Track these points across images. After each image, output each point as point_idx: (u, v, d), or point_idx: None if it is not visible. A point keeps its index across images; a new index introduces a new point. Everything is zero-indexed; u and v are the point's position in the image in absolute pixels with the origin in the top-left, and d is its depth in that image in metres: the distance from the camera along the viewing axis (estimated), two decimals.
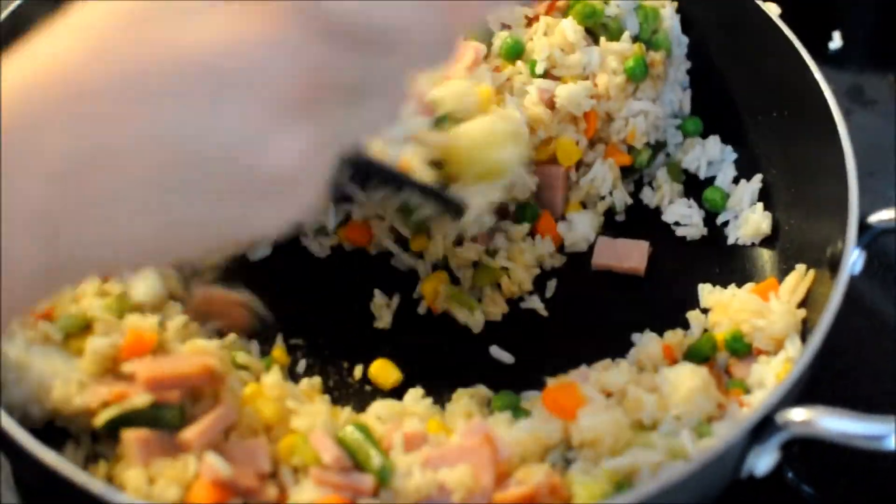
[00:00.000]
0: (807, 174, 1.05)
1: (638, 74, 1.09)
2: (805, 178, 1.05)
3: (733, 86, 1.16)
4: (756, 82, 1.13)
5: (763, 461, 0.82)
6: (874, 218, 0.92)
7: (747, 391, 0.93)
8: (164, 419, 0.83)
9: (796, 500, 0.96)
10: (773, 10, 1.09)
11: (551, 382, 0.93)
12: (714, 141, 1.15)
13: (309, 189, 0.59)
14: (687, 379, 0.89)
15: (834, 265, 0.91)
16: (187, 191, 0.55)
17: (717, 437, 0.84)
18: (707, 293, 1.04)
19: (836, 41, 1.33)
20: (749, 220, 1.09)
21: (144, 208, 0.55)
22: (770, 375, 0.93)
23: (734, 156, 1.14)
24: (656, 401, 0.88)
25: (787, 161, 1.09)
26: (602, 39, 1.09)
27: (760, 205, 1.10)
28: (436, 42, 0.60)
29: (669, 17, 1.14)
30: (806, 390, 0.87)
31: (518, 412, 0.92)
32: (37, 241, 0.53)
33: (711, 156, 1.14)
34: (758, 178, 1.12)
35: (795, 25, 1.06)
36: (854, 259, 0.91)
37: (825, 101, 1.00)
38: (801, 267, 1.00)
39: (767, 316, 0.96)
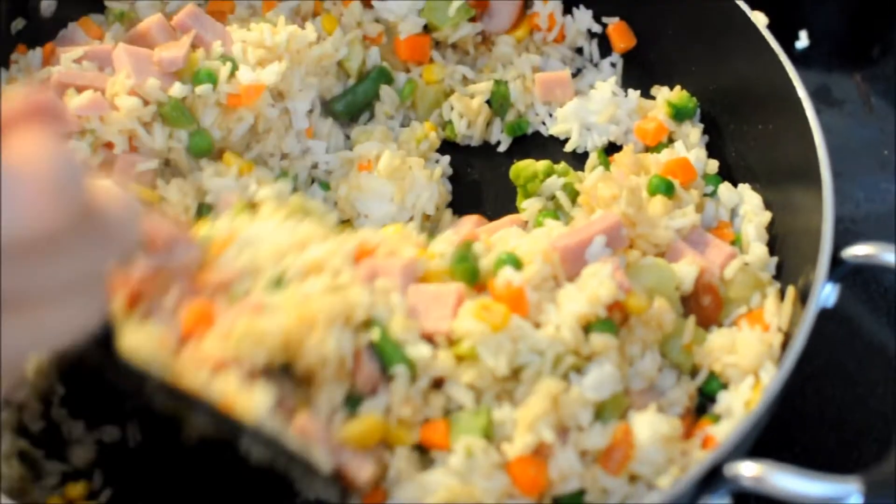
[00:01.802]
0: (784, 192, 1.00)
1: (665, 189, 1.00)
2: (782, 201, 1.00)
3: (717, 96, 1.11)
4: (740, 92, 1.08)
5: None
6: (848, 253, 0.86)
7: (717, 420, 0.88)
8: None
9: None
10: (761, 21, 1.02)
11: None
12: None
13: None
14: (653, 430, 0.83)
15: (804, 297, 0.86)
16: None
17: (663, 492, 0.78)
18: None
19: (802, 41, 1.30)
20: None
21: None
22: (738, 404, 0.88)
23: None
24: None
25: (768, 176, 1.04)
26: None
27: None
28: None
29: None
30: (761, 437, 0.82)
31: None
32: None
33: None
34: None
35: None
36: (827, 293, 0.86)
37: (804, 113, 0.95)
38: (773, 289, 0.94)
39: (737, 350, 0.90)
